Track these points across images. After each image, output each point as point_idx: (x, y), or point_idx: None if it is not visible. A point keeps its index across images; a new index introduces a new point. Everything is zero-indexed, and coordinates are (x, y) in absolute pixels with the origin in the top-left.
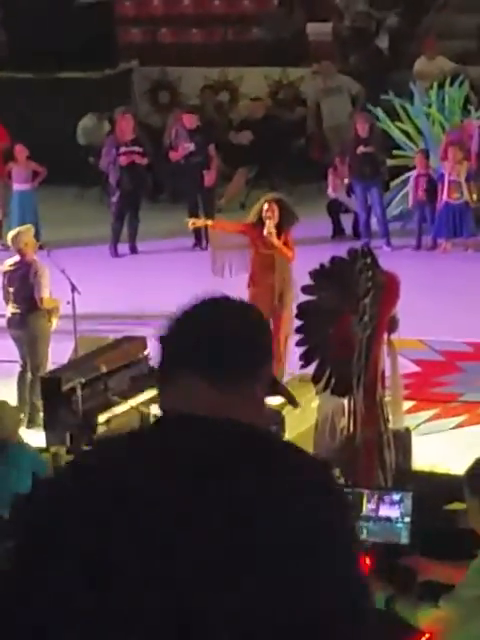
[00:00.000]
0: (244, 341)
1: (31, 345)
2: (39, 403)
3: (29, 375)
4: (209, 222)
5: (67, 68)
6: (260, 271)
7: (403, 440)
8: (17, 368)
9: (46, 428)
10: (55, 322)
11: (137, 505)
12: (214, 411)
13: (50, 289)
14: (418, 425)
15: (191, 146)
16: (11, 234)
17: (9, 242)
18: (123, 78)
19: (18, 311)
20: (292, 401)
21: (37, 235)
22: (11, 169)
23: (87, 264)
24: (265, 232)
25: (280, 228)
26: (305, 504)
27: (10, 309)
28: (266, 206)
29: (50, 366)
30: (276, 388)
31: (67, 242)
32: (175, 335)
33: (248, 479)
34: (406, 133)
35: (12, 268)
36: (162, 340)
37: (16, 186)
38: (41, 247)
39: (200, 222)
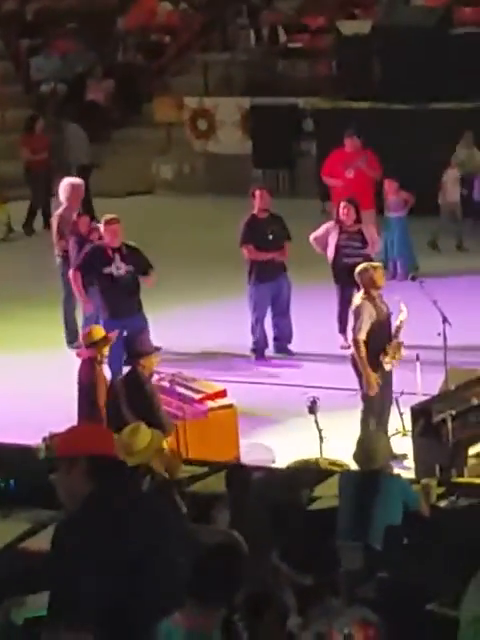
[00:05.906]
0: None
1: None
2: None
3: None
4: None
5: (441, 99)
6: None
7: None
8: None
9: (416, 460)
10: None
11: None
12: None
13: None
14: None
15: None
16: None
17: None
18: None
19: None
20: None
21: (410, 264)
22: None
23: (458, 295)
24: None
25: None
26: None
27: None
28: None
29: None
30: None
31: (437, 272)
32: None
33: None
34: None
35: None
36: None
37: (388, 213)
38: (413, 278)
39: None
